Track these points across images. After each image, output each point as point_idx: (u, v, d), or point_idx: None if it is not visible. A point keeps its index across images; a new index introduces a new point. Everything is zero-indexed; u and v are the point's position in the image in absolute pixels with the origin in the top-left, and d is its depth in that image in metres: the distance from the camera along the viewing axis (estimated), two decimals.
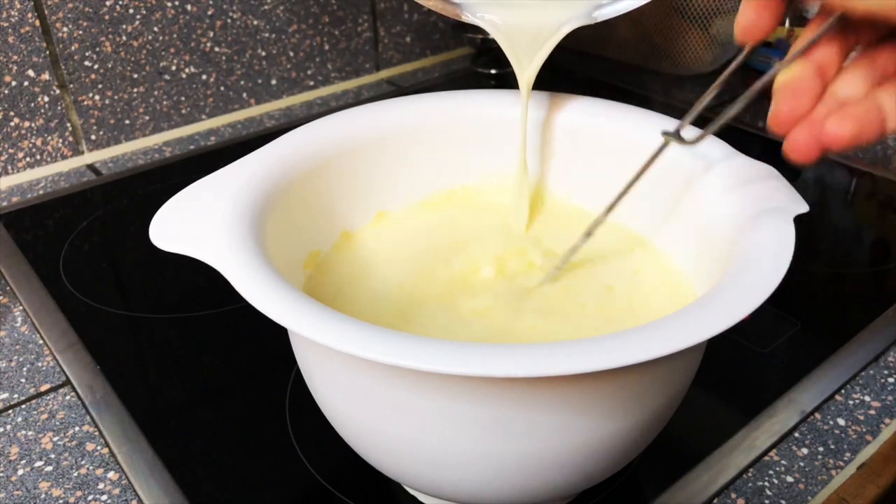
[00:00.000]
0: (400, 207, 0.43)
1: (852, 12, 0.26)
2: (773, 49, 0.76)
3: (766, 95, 0.29)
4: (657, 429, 0.32)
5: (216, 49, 0.73)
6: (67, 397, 0.43)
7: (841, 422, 0.41)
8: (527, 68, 0.40)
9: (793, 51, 0.29)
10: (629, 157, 0.40)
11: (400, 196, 0.43)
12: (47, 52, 0.64)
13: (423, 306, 0.36)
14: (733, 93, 0.31)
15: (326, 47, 0.81)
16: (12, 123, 0.65)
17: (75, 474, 0.39)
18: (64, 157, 0.68)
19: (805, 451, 0.39)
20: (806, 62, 0.28)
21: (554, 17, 0.39)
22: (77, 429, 0.41)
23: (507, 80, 0.85)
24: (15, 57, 0.63)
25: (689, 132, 0.32)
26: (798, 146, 0.27)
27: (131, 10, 0.67)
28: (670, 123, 0.39)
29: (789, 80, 0.28)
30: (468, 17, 0.40)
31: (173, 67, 0.71)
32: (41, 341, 0.47)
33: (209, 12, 0.71)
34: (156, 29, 0.69)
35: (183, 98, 0.73)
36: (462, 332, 0.34)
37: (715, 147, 0.36)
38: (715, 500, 0.37)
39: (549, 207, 0.44)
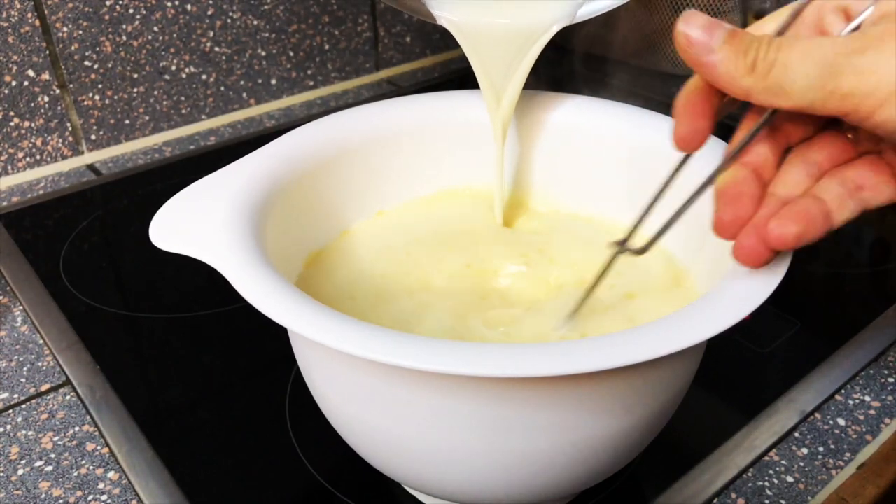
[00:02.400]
0: (399, 206, 0.43)
1: (781, 107, 0.25)
2: None
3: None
4: (657, 429, 0.32)
5: (216, 49, 0.73)
6: (67, 397, 0.43)
7: (841, 422, 0.41)
8: (502, 99, 0.39)
9: (727, 154, 0.28)
10: (626, 155, 0.40)
11: (400, 195, 0.43)
12: (47, 52, 0.64)
13: (421, 305, 0.36)
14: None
15: (326, 47, 0.81)
16: (12, 123, 0.65)
17: (75, 474, 0.39)
18: (64, 157, 0.68)
19: (805, 451, 0.39)
20: (742, 165, 0.28)
21: (537, 17, 0.39)
22: (77, 429, 0.41)
23: None
24: (15, 57, 0.63)
25: (639, 239, 0.31)
26: (746, 252, 0.27)
27: (131, 10, 0.67)
28: (664, 123, 0.39)
29: (727, 185, 0.28)
30: (439, 20, 0.39)
31: (173, 67, 0.71)
32: (41, 341, 0.47)
33: (209, 12, 0.71)
34: (156, 29, 0.69)
35: (183, 98, 0.73)
36: (461, 331, 0.34)
37: (715, 147, 0.36)
38: (715, 500, 0.37)
39: (545, 206, 0.44)
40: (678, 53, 0.26)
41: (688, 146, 0.28)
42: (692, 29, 0.25)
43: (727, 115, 0.30)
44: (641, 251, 0.31)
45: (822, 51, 0.24)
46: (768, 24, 0.29)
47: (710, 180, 0.28)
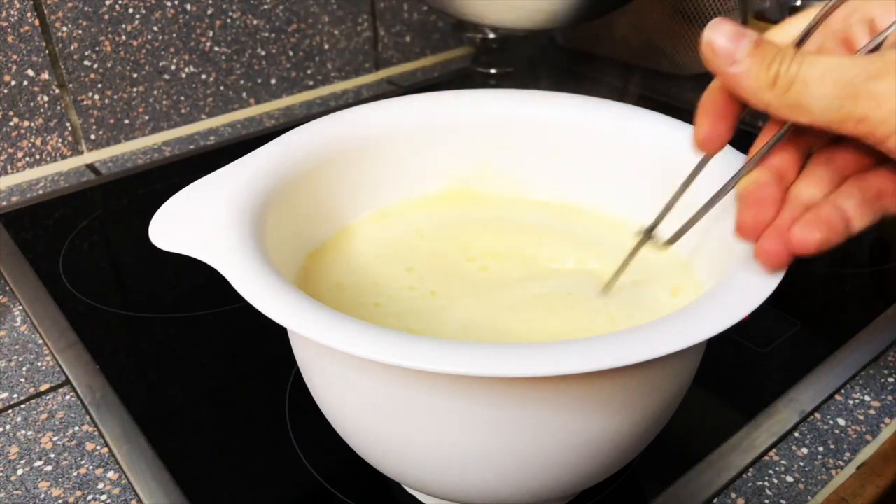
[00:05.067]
0: (399, 205, 0.43)
1: (800, 124, 0.25)
2: None
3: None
4: (657, 428, 0.32)
5: (216, 49, 0.73)
6: (67, 397, 0.43)
7: (841, 421, 0.41)
8: None
9: (750, 158, 0.29)
10: (626, 154, 0.40)
11: (399, 194, 0.43)
12: (47, 52, 0.64)
13: (420, 303, 0.36)
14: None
15: (326, 47, 0.81)
16: (12, 123, 0.64)
17: (75, 474, 0.39)
18: (63, 157, 0.68)
19: (805, 450, 0.39)
20: (764, 168, 0.28)
21: None
22: (77, 428, 0.41)
23: (506, 79, 0.85)
24: (14, 56, 0.63)
25: (666, 230, 0.32)
26: (768, 255, 0.27)
27: (131, 10, 0.67)
28: (664, 123, 0.39)
29: (750, 187, 0.28)
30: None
31: (173, 67, 0.71)
32: (41, 341, 0.47)
33: (209, 12, 0.71)
34: (155, 28, 0.69)
35: (182, 98, 0.73)
36: (461, 331, 0.34)
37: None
38: (715, 500, 0.37)
39: (543, 205, 0.44)
40: (703, 60, 0.26)
41: (708, 148, 0.29)
42: (718, 37, 0.25)
43: (745, 122, 0.30)
44: (668, 243, 0.32)
45: (840, 72, 0.24)
46: (796, 24, 0.29)
47: (733, 181, 0.29)
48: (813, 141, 0.29)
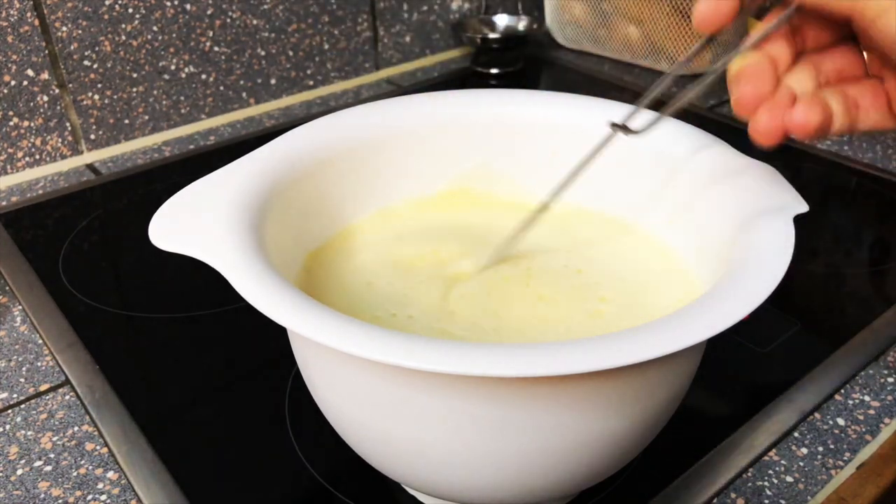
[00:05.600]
0: (399, 205, 0.43)
1: (803, 4, 0.26)
2: None
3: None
4: (657, 429, 0.32)
5: (215, 49, 0.73)
6: (67, 397, 0.43)
7: (840, 421, 0.41)
8: None
9: (747, 41, 0.29)
10: (626, 154, 0.40)
11: (399, 194, 0.43)
12: (46, 52, 0.64)
13: (420, 303, 0.36)
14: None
15: (326, 47, 0.81)
16: (11, 123, 0.64)
17: (74, 474, 0.39)
18: (63, 157, 0.68)
19: (805, 450, 0.39)
20: (759, 52, 0.29)
21: None
22: (76, 428, 0.41)
23: (506, 79, 0.85)
24: (14, 56, 0.63)
25: (639, 121, 0.33)
26: (764, 128, 0.28)
27: (131, 10, 0.67)
28: (665, 123, 0.39)
29: (747, 65, 0.29)
30: None
31: (173, 67, 0.71)
32: (40, 341, 0.47)
33: (208, 12, 0.71)
34: (155, 28, 0.69)
35: (182, 98, 0.73)
36: (461, 331, 0.34)
37: (716, 147, 0.36)
38: (715, 500, 0.37)
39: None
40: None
41: (707, 25, 0.29)
42: None
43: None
44: (640, 132, 0.32)
45: None
46: None
47: (724, 65, 0.29)
48: (806, 41, 0.30)
